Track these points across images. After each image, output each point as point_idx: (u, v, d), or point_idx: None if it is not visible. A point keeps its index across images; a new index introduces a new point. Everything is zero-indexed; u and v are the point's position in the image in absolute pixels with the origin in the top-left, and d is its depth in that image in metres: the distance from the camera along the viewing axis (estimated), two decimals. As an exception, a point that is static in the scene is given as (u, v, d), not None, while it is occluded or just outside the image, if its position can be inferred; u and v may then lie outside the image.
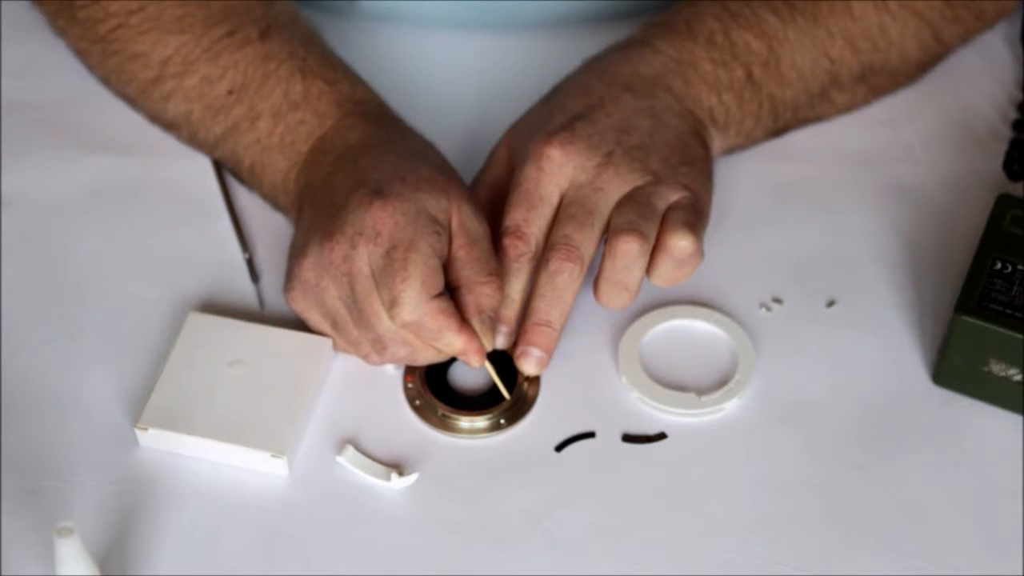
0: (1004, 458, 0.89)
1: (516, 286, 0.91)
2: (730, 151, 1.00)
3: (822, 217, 1.00)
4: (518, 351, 0.91)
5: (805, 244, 0.98)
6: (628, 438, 0.91)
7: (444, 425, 0.91)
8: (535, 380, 0.93)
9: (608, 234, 0.90)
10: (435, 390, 0.92)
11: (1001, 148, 1.03)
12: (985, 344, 0.89)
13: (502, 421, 0.91)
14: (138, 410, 0.89)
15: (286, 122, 0.95)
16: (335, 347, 0.92)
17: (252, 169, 0.97)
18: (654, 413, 0.91)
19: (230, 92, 0.96)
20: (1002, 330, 0.88)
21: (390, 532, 0.87)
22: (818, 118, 1.02)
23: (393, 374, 0.93)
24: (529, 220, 0.91)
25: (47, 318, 0.95)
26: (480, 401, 0.92)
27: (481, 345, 0.89)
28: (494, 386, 0.92)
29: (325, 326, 0.91)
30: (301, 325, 0.92)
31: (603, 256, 0.90)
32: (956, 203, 1.00)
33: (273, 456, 0.88)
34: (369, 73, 0.99)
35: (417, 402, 0.92)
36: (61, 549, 0.78)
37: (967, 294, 0.89)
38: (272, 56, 0.96)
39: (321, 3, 1.09)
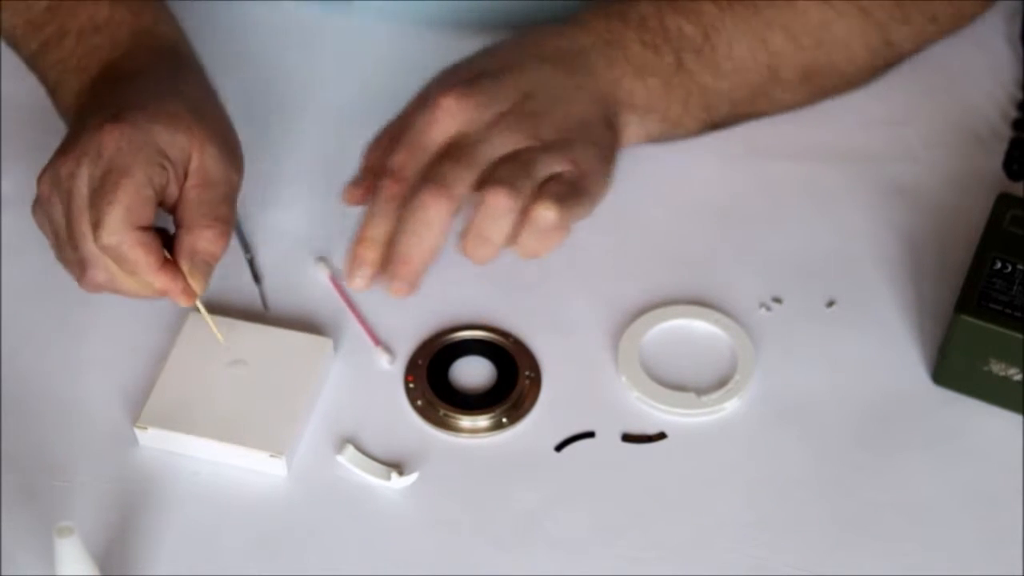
0: (1004, 458, 0.89)
1: (382, 228, 0.89)
2: (660, 139, 0.99)
3: (822, 217, 1.00)
4: (384, 279, 0.89)
5: (805, 244, 0.98)
6: (628, 438, 0.91)
7: (445, 424, 0.91)
8: (536, 380, 0.93)
9: (480, 186, 0.89)
10: (437, 389, 0.92)
11: (1001, 148, 1.03)
12: (985, 344, 0.89)
13: (504, 420, 0.91)
14: (138, 410, 0.89)
15: (85, 44, 0.96)
16: (62, 265, 0.91)
17: (54, 88, 0.98)
18: (654, 413, 0.91)
19: (48, 9, 0.97)
20: (1002, 330, 0.88)
21: (390, 532, 0.87)
22: (760, 114, 1.01)
23: (392, 372, 0.93)
24: (408, 165, 0.90)
25: (47, 318, 0.95)
26: (481, 400, 0.92)
27: (187, 286, 0.87)
28: (496, 385, 0.92)
29: (52, 242, 0.91)
30: (302, 326, 0.92)
31: (473, 208, 0.88)
32: (956, 203, 1.00)
33: (272, 456, 0.88)
34: (369, 73, 0.99)
35: (418, 401, 0.92)
36: (61, 549, 0.78)
37: (967, 294, 0.89)
38: None
39: (320, 3, 1.09)
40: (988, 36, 1.07)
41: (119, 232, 0.86)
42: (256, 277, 0.97)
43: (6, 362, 0.93)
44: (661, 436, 0.91)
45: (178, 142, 0.88)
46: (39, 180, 0.90)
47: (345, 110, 0.97)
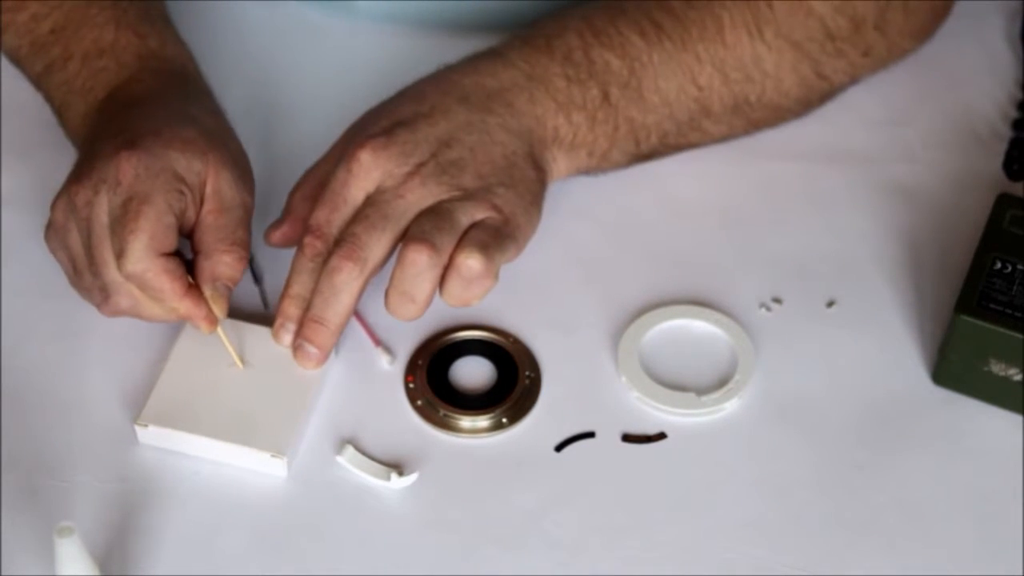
0: (1004, 458, 0.89)
1: (308, 285, 0.90)
2: (588, 172, 0.98)
3: (822, 217, 1.00)
4: (295, 344, 0.91)
5: (805, 244, 0.98)
6: (628, 438, 0.91)
7: (445, 424, 0.91)
8: (536, 380, 0.93)
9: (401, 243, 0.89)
10: (437, 389, 0.92)
11: (1001, 148, 1.03)
12: (985, 344, 0.89)
13: (504, 420, 0.91)
14: (138, 410, 0.89)
15: (90, 68, 0.96)
16: (79, 292, 0.91)
17: (60, 110, 0.98)
18: (654, 413, 0.91)
19: (52, 31, 0.97)
20: (1002, 330, 0.88)
21: (390, 532, 0.87)
22: (692, 146, 0.99)
23: (393, 372, 0.93)
24: (330, 221, 0.90)
25: (48, 317, 0.95)
26: (482, 400, 0.92)
27: (210, 312, 0.88)
28: (496, 385, 0.92)
29: (68, 268, 0.91)
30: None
31: (395, 264, 0.89)
32: (956, 203, 1.00)
33: (273, 456, 0.88)
34: (368, 73, 0.99)
35: (419, 402, 0.92)
36: (61, 549, 0.78)
37: (967, 294, 0.89)
38: (95, 2, 0.97)
39: (321, 3, 1.09)
40: (988, 36, 1.08)
41: (143, 260, 0.86)
42: (256, 277, 0.97)
43: (6, 361, 0.93)
44: (661, 436, 0.91)
45: (194, 167, 0.88)
46: (53, 206, 0.90)
47: (345, 110, 0.97)
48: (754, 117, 0.99)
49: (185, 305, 0.88)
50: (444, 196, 0.90)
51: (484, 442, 0.91)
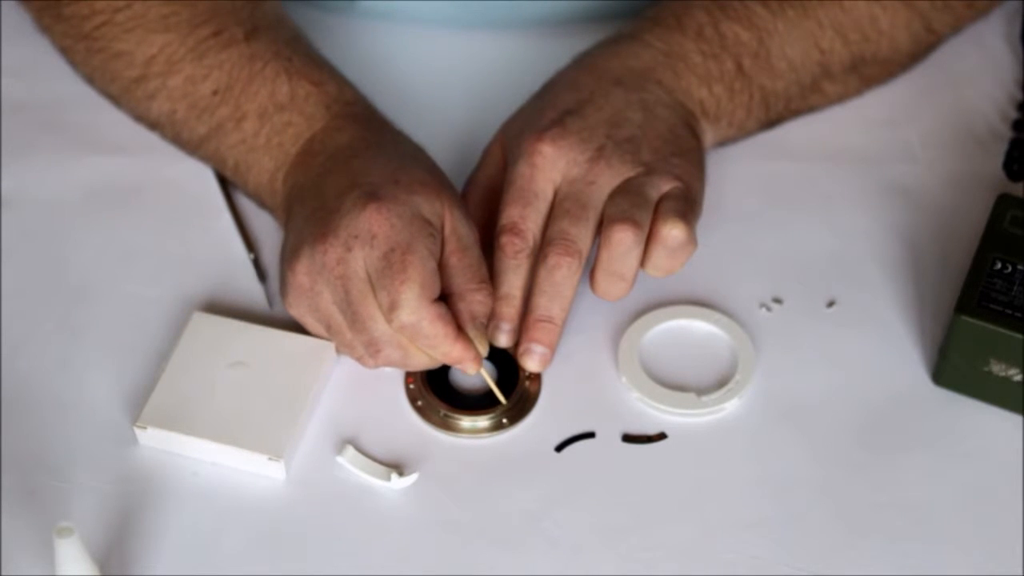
0: (1004, 458, 0.89)
1: (516, 283, 0.92)
2: (723, 142, 1.01)
3: (822, 217, 1.00)
4: (521, 348, 0.92)
5: (805, 244, 0.99)
6: (628, 438, 0.91)
7: (445, 425, 0.91)
8: (536, 379, 0.93)
9: (602, 224, 0.91)
10: (437, 390, 0.92)
11: (1001, 148, 1.03)
12: (985, 344, 0.89)
13: (504, 420, 0.91)
14: (138, 410, 0.89)
15: (272, 123, 0.95)
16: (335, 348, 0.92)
17: (236, 168, 0.97)
18: (654, 413, 0.91)
19: (215, 92, 0.96)
20: (1002, 330, 0.88)
21: (390, 532, 0.87)
22: (810, 109, 1.03)
23: (393, 373, 0.93)
24: (525, 216, 0.92)
25: (47, 318, 0.95)
26: (482, 401, 0.92)
27: (478, 353, 0.89)
28: (496, 385, 0.92)
29: (320, 329, 0.91)
30: (305, 328, 0.92)
31: (599, 247, 0.91)
32: (956, 203, 1.00)
33: (270, 459, 0.88)
34: (369, 72, 0.99)
35: (419, 402, 0.92)
36: (61, 549, 0.78)
37: (967, 294, 0.89)
38: (257, 57, 0.96)
39: (321, 3, 1.09)
40: (988, 36, 1.08)
41: (418, 310, 0.86)
42: (261, 276, 0.97)
43: (6, 362, 0.93)
44: (661, 436, 0.91)
45: (435, 209, 0.89)
46: (292, 270, 0.89)
47: (345, 110, 0.97)
48: (868, 74, 1.02)
49: (458, 349, 0.88)
50: (630, 174, 0.92)
51: (485, 442, 0.91)
